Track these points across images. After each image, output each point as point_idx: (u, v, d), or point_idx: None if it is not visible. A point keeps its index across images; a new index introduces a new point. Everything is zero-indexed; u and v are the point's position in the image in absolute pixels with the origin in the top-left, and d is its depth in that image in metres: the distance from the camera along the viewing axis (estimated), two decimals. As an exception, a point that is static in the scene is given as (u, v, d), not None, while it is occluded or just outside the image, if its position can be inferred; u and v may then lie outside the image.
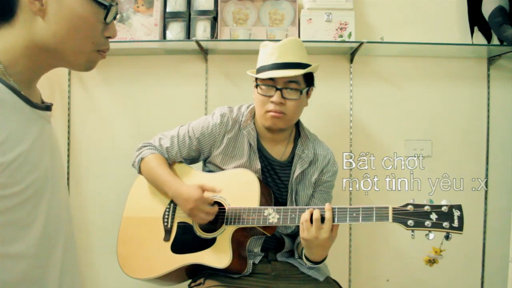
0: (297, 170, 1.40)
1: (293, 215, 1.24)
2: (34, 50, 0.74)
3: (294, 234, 1.45)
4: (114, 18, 0.79)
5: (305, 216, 1.18)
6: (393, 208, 1.14)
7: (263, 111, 1.37)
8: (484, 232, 1.95)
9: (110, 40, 0.81)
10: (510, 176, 1.93)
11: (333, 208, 1.18)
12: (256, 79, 1.39)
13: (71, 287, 0.83)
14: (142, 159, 1.44)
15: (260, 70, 1.38)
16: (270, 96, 1.35)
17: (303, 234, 1.19)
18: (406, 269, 1.95)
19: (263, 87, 1.36)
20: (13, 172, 0.68)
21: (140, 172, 1.46)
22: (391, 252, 1.96)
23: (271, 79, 1.34)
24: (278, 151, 1.44)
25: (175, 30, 1.84)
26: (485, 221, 1.95)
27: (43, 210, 0.75)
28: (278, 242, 1.44)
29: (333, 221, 1.17)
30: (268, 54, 1.36)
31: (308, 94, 1.43)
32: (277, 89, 1.34)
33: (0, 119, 0.66)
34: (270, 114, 1.35)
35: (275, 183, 1.44)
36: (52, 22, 0.72)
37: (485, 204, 1.95)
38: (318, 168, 1.43)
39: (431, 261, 1.17)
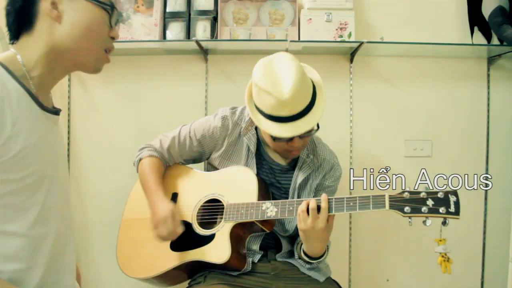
0: (300, 176, 1.38)
1: (291, 208, 1.24)
2: (52, 55, 0.87)
3: (293, 237, 1.44)
4: (117, 22, 0.93)
5: (302, 206, 1.19)
6: (390, 195, 1.14)
7: (280, 150, 1.33)
8: (484, 232, 1.95)
9: (112, 41, 0.94)
10: (510, 176, 1.93)
11: (329, 199, 1.18)
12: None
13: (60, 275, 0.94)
14: (140, 159, 1.45)
15: (269, 117, 1.23)
16: (288, 141, 1.26)
17: (300, 224, 1.19)
18: (406, 269, 1.95)
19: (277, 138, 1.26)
20: (18, 161, 0.80)
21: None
22: (391, 252, 1.96)
23: None
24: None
25: (175, 30, 1.84)
26: (485, 221, 1.95)
27: (40, 199, 0.87)
28: (277, 241, 1.44)
29: (331, 210, 1.18)
30: (275, 106, 1.19)
31: None
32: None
33: (15, 115, 0.80)
34: (292, 153, 1.33)
35: (276, 187, 1.42)
36: (67, 25, 0.86)
37: (485, 204, 1.95)
38: (321, 173, 1.41)
39: (445, 259, 1.15)
